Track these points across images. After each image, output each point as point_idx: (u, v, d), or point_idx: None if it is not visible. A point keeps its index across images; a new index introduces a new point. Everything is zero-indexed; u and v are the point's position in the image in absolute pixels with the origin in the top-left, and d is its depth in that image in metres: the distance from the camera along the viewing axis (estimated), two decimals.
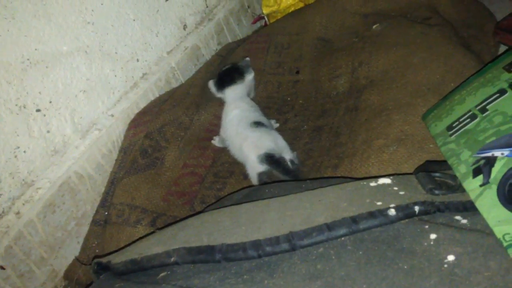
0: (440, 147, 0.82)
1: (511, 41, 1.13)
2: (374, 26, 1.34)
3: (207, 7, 1.56)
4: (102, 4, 1.22)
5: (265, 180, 1.07)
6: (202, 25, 1.54)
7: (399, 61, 1.17)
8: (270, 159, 1.04)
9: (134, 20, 1.33)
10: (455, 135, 0.81)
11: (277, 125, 1.25)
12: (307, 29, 1.44)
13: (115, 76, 1.29)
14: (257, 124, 1.12)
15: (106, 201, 1.17)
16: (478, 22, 1.34)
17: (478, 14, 1.37)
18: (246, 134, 1.10)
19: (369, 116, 1.09)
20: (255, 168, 1.07)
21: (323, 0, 1.47)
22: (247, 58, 1.28)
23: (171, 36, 1.45)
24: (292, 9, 1.60)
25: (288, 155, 1.09)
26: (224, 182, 1.15)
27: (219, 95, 1.24)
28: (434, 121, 0.89)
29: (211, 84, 1.25)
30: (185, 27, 1.49)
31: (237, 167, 1.18)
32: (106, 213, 1.14)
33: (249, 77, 1.23)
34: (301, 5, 1.59)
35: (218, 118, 1.29)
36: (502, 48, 1.22)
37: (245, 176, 1.14)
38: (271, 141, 1.08)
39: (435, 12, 1.34)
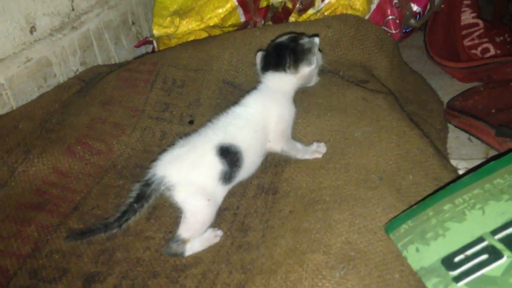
0: None
1: (475, 130, 0.88)
2: None
3: (73, 10, 1.10)
4: None
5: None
6: (61, 32, 1.07)
7: (336, 132, 0.85)
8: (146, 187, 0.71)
9: None
10: (463, 281, 0.48)
11: (320, 151, 0.82)
12: (210, 66, 1.06)
13: None
14: (225, 152, 0.73)
15: None
16: (418, 98, 1.10)
17: (418, 88, 1.14)
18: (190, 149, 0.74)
19: (295, 207, 0.73)
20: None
21: (236, 34, 1.11)
22: (316, 39, 0.88)
23: (7, 38, 0.96)
24: (192, 38, 1.22)
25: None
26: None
27: (261, 78, 0.88)
28: (413, 242, 0.56)
29: (258, 57, 0.90)
30: (32, 29, 1.01)
31: (74, 262, 0.71)
32: None
33: (306, 69, 0.85)
34: (204, 35, 1.22)
35: (59, 173, 0.82)
36: (453, 133, 0.97)
37: (87, 279, 0.68)
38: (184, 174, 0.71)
39: (372, 76, 1.07)
